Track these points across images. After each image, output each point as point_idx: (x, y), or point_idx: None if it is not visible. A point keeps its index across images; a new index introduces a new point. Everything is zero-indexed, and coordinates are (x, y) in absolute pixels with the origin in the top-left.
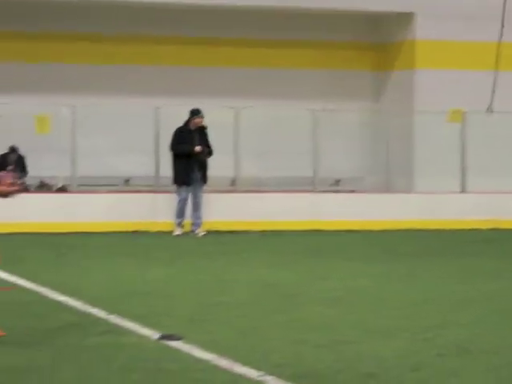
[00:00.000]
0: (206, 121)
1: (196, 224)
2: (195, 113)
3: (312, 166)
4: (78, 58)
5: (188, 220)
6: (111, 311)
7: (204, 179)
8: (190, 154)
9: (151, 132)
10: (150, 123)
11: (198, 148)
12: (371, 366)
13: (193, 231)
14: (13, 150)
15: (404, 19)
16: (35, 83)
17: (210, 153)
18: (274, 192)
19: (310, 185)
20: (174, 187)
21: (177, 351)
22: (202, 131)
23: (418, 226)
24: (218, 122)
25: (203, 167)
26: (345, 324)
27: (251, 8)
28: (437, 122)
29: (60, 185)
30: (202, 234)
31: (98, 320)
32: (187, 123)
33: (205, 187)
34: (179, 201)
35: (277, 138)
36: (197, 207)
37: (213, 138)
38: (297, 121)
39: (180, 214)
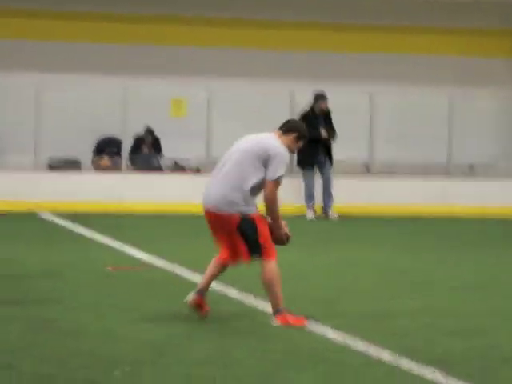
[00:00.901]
0: (343, 106)
1: (328, 206)
2: (320, 97)
3: (446, 152)
4: (214, 41)
5: (319, 203)
6: (246, 290)
7: (330, 161)
8: (316, 139)
9: (286, 115)
10: (285, 106)
11: (324, 133)
12: (505, 352)
13: (326, 214)
14: (148, 131)
15: None
16: (171, 66)
17: (334, 136)
18: (407, 177)
19: (443, 171)
20: (300, 170)
21: (310, 332)
22: (326, 115)
23: None
24: (353, 105)
25: (328, 150)
26: (479, 311)
27: None
28: None
29: (195, 167)
30: (336, 216)
31: (232, 300)
32: (313, 107)
33: (332, 170)
34: (306, 184)
35: (411, 123)
36: (327, 190)
37: (349, 122)
38: (432, 106)
39: (310, 197)
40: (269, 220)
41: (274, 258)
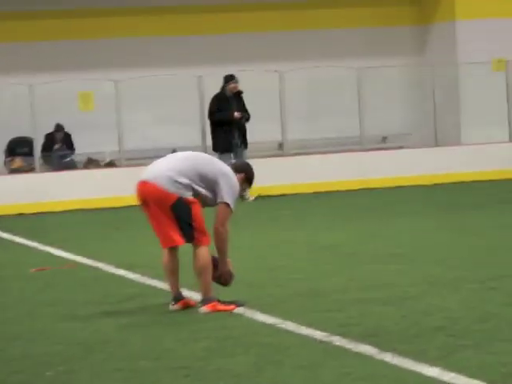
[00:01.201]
0: (251, 86)
1: None
2: (229, 78)
3: (358, 125)
4: (115, 32)
5: None
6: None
7: (245, 144)
8: (229, 121)
9: (195, 102)
10: (194, 93)
11: (237, 114)
12: (439, 319)
13: (242, 197)
14: (59, 128)
15: None
16: (76, 60)
17: (248, 117)
18: (321, 153)
19: (357, 144)
20: (217, 155)
21: (241, 317)
22: (238, 96)
23: (468, 178)
24: (262, 86)
25: (243, 132)
26: (407, 279)
27: None
28: (481, 72)
29: (108, 160)
30: (252, 198)
31: (159, 291)
32: (223, 90)
33: (248, 153)
34: None
35: (321, 99)
36: None
37: (258, 102)
38: (341, 80)
39: None
40: (215, 255)
41: (208, 242)
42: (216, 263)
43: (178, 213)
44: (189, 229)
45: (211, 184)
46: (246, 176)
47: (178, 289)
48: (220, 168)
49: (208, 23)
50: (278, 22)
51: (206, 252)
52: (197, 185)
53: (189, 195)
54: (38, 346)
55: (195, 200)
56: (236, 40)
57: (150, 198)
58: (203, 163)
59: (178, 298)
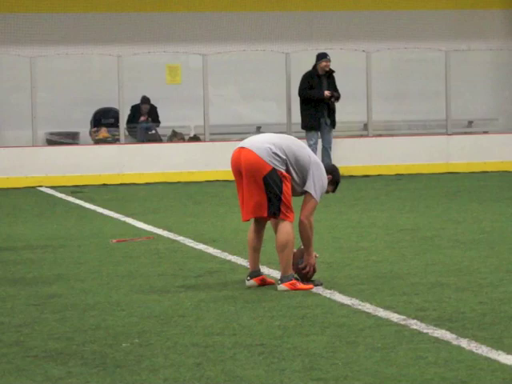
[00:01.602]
0: (337, 65)
1: None
2: (321, 57)
3: (445, 109)
4: (206, 6)
5: None
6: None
7: (333, 124)
8: (318, 99)
9: (282, 79)
10: (281, 70)
11: (327, 93)
12: None
13: None
14: (145, 100)
15: None
16: (165, 33)
17: (338, 97)
18: (406, 136)
19: (442, 127)
20: (304, 133)
21: (319, 297)
22: (329, 75)
23: None
24: (349, 66)
25: (332, 112)
26: (486, 266)
27: None
28: None
29: (192, 134)
30: None
31: (238, 267)
32: (315, 68)
33: (334, 132)
34: (309, 146)
35: (408, 80)
36: (326, 152)
37: (344, 82)
38: (428, 63)
39: None
40: (301, 247)
41: (292, 219)
42: (302, 254)
43: (270, 184)
44: (277, 202)
45: (302, 169)
46: (334, 179)
47: (256, 265)
48: (314, 157)
49: (297, 0)
50: (366, 2)
51: (290, 228)
52: (290, 164)
53: (283, 169)
54: (114, 317)
55: (288, 176)
56: (324, 18)
57: (246, 164)
58: (299, 146)
59: (255, 273)
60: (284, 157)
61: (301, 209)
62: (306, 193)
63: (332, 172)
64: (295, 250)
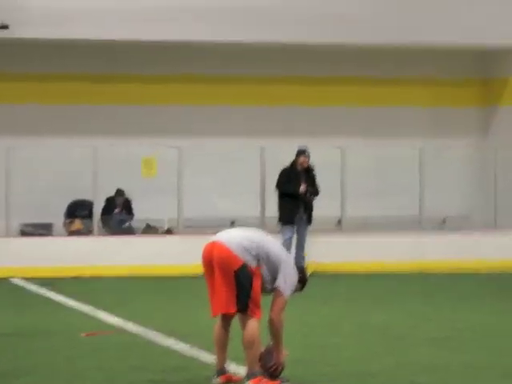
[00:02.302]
0: (313, 160)
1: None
2: (299, 153)
3: (418, 205)
4: (182, 99)
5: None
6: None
7: (309, 220)
8: (295, 194)
9: (257, 172)
10: (256, 164)
11: (302, 188)
12: None
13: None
14: (119, 193)
15: (509, 54)
16: (141, 125)
17: (315, 193)
18: (380, 232)
19: (416, 224)
20: (279, 226)
21: None
22: (308, 171)
23: None
24: (324, 161)
25: (308, 208)
26: (457, 364)
27: (357, 47)
28: None
29: (166, 227)
30: (307, 274)
31: (206, 364)
32: (294, 163)
33: (310, 228)
34: (284, 240)
35: (383, 176)
36: (301, 247)
37: (319, 177)
38: (403, 159)
39: None
40: (269, 344)
41: (260, 317)
42: (270, 352)
43: (240, 279)
44: (245, 298)
45: (273, 266)
46: (301, 279)
47: (223, 362)
48: (285, 254)
49: (274, 94)
50: (344, 98)
51: (256, 325)
52: (262, 260)
53: (254, 265)
54: None
55: (259, 272)
56: (301, 113)
57: (218, 258)
58: (271, 242)
59: (222, 371)
60: (255, 252)
61: (271, 306)
62: (275, 290)
63: (300, 272)
64: (263, 348)
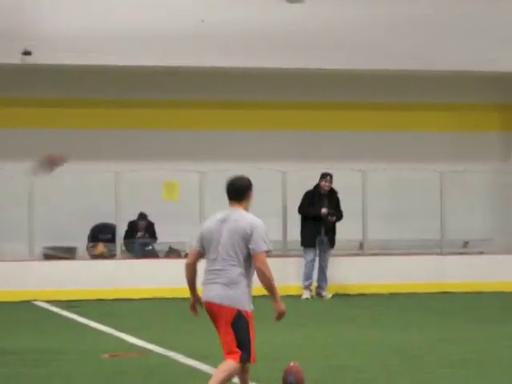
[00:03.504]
0: (335, 184)
1: (321, 287)
2: (322, 176)
3: (440, 228)
4: (204, 124)
5: (315, 283)
6: None
7: (331, 243)
8: (317, 217)
9: (279, 196)
10: (278, 188)
11: (323, 210)
12: None
13: (319, 294)
14: (142, 216)
15: None
16: (162, 150)
17: (338, 217)
18: (402, 255)
19: (438, 247)
20: (302, 250)
21: None
22: (332, 195)
23: None
24: (346, 185)
25: (331, 231)
26: None
27: (379, 72)
28: None
29: (188, 250)
30: (329, 296)
31: None
32: (317, 186)
33: (332, 251)
34: (306, 263)
35: (404, 200)
36: (323, 270)
37: (341, 201)
38: (424, 183)
39: (307, 276)
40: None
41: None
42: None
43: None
44: (248, 346)
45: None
46: (249, 187)
47: None
48: (250, 221)
49: (295, 119)
50: (366, 123)
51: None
52: (244, 262)
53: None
54: None
55: (251, 315)
56: (322, 138)
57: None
58: (238, 239)
59: None
60: (240, 276)
61: (254, 261)
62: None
63: (245, 186)
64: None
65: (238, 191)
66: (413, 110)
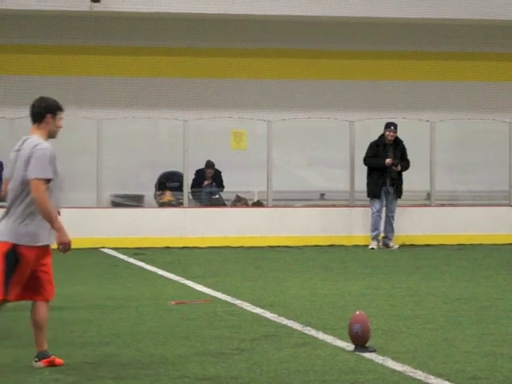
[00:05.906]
0: (401, 134)
1: (388, 238)
2: (386, 126)
3: (508, 180)
4: (271, 73)
5: (382, 234)
6: (307, 323)
7: (397, 193)
8: (382, 168)
9: (346, 147)
10: (345, 138)
11: (388, 160)
12: None
13: (386, 244)
14: (209, 165)
15: None
16: (230, 99)
17: (405, 167)
18: (469, 206)
19: (506, 198)
20: (369, 200)
21: (371, 362)
22: (398, 145)
23: None
24: (413, 135)
25: (398, 181)
26: None
27: (448, 22)
28: None
29: (256, 200)
30: (396, 247)
31: (294, 332)
32: (382, 136)
33: (399, 201)
34: (372, 214)
35: (472, 151)
36: (389, 221)
37: (408, 151)
38: (492, 133)
39: (374, 227)
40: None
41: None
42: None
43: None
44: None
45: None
46: (51, 111)
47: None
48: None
49: (361, 69)
50: (431, 72)
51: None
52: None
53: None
54: (168, 377)
55: None
56: (389, 88)
57: None
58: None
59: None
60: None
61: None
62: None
63: (44, 109)
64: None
65: (34, 113)
66: (482, 59)
